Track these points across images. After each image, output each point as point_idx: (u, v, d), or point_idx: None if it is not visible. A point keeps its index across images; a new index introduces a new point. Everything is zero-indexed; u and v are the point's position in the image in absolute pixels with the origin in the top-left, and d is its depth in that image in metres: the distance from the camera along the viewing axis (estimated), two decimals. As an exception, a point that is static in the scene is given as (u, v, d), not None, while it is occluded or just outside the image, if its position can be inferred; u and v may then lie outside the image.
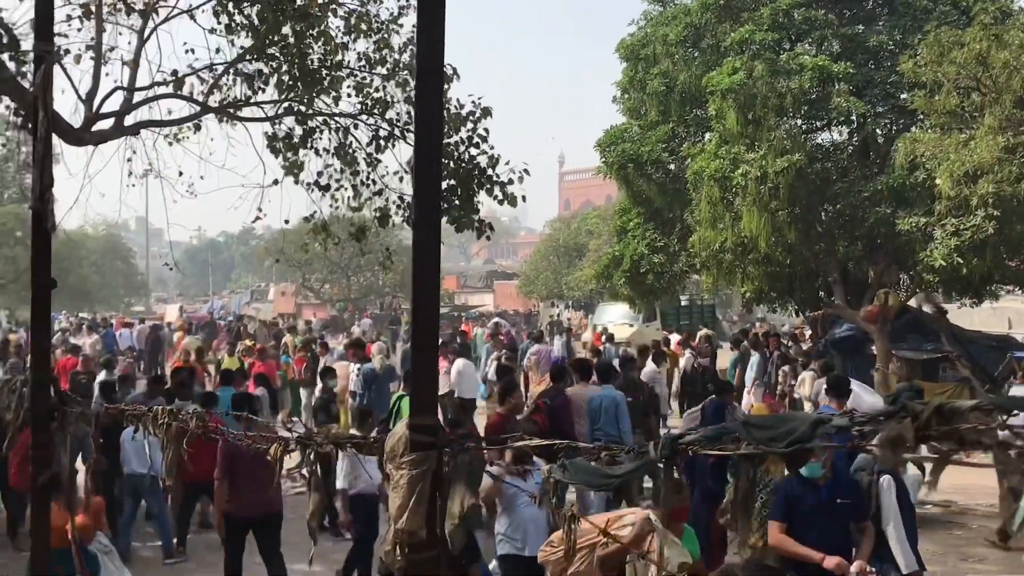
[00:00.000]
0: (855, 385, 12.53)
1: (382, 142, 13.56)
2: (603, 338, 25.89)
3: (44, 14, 3.81)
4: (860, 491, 7.70)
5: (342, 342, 27.18)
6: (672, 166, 22.62)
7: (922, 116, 18.44)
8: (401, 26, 13.46)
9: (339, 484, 10.32)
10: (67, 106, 11.44)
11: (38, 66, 3.85)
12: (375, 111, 13.40)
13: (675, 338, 25.41)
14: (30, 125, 12.48)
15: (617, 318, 34.23)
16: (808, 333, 25.02)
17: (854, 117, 19.83)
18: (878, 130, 21.01)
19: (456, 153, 13.04)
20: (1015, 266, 18.92)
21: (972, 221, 17.06)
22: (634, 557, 5.78)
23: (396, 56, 13.53)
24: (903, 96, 19.17)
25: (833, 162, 20.13)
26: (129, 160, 13.93)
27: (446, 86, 13.98)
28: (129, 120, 12.82)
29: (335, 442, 3.22)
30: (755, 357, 19.62)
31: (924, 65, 16.91)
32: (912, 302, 20.80)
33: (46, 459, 3.81)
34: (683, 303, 33.87)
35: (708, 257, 20.91)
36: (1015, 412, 2.17)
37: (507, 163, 13.30)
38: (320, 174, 13.66)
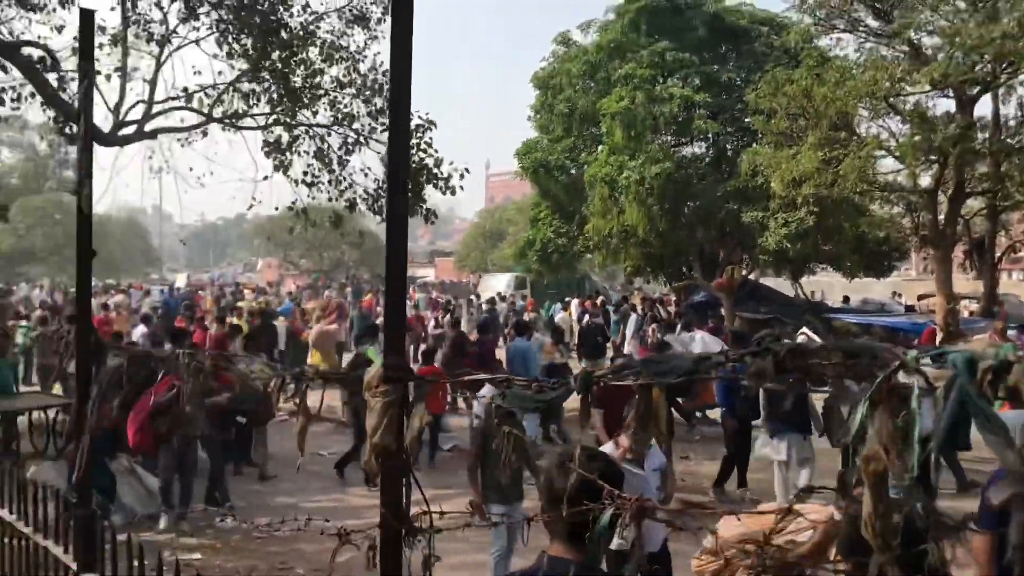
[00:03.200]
0: (708, 337, 12.82)
1: (350, 147, 13.63)
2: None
3: (86, 40, 3.68)
4: None
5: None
6: (573, 171, 22.54)
7: (761, 135, 18.61)
8: (366, 56, 13.41)
9: None
10: (98, 115, 11.14)
11: (82, 81, 3.70)
12: (344, 122, 13.41)
13: (575, 302, 25.40)
14: (66, 130, 12.12)
15: (499, 287, 34.28)
16: (673, 299, 25.20)
17: (710, 135, 20.00)
18: (728, 145, 21.18)
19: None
20: (828, 250, 19.35)
21: (797, 216, 17.50)
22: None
23: (362, 79, 13.42)
24: (747, 120, 19.28)
25: (694, 169, 20.26)
26: (150, 158, 13.68)
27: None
28: (149, 127, 12.52)
29: (324, 377, 3.22)
30: (633, 317, 19.68)
31: (763, 96, 17.09)
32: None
33: (87, 393, 3.75)
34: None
35: (599, 241, 20.89)
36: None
37: (451, 163, 13.55)
38: (305, 173, 13.57)
